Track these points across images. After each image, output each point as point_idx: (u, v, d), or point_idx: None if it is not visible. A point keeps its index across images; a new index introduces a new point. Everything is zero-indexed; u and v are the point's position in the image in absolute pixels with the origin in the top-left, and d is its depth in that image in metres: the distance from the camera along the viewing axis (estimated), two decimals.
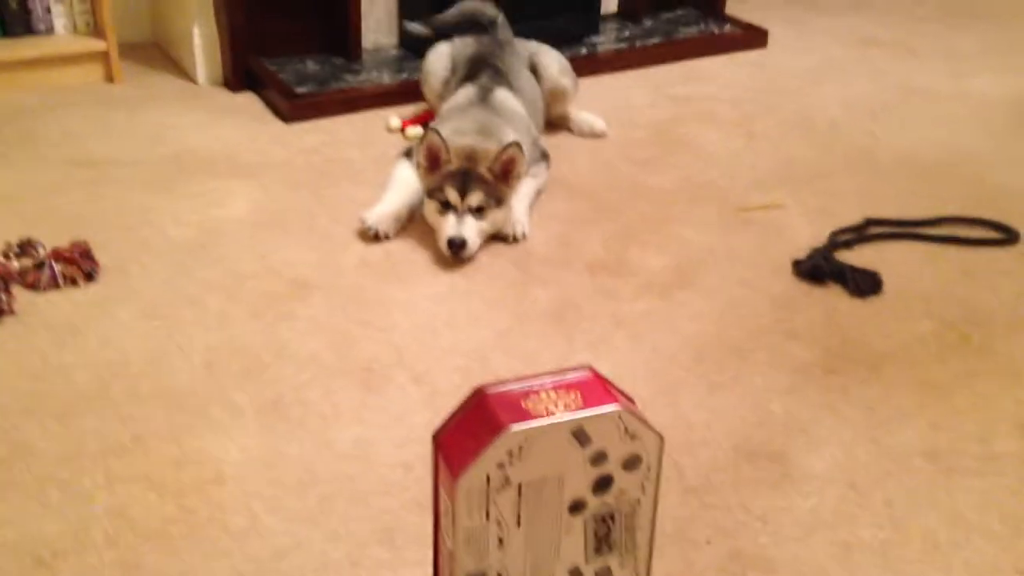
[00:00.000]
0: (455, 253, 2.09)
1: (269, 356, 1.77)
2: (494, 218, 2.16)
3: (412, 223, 2.23)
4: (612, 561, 1.21)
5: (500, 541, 1.15)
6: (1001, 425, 1.65)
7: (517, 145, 2.14)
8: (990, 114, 2.99)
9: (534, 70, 2.70)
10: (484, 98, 2.45)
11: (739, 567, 1.36)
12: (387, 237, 2.18)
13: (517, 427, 1.09)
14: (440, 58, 2.70)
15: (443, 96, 2.63)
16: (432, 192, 2.16)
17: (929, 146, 2.75)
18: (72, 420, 1.60)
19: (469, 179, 2.13)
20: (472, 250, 2.11)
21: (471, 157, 2.16)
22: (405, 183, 2.28)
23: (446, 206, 2.13)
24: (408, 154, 2.39)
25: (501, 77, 2.52)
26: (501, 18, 2.72)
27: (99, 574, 1.31)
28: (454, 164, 2.15)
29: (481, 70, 2.53)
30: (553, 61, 2.73)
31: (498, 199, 2.15)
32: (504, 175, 2.16)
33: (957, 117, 2.96)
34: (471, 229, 2.10)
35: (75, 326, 1.84)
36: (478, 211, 2.13)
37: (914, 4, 4.03)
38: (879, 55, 3.49)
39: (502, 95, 2.47)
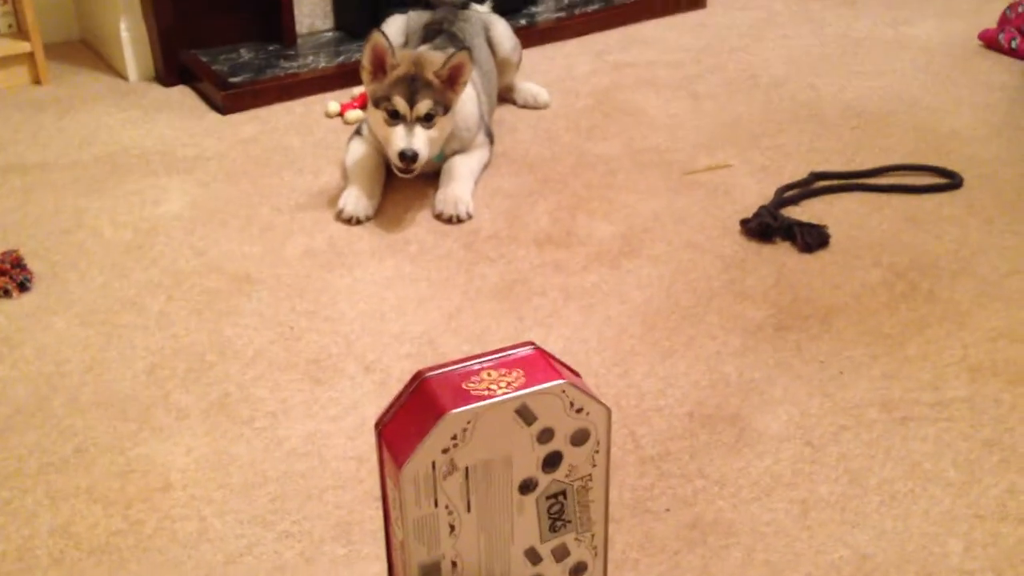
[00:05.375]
0: (407, 166, 2.07)
1: (213, 355, 1.73)
2: (442, 125, 2.14)
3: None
4: (568, 538, 1.19)
5: (452, 528, 1.12)
6: (951, 370, 1.65)
7: (466, 50, 2.10)
8: (932, 60, 2.99)
9: (488, 41, 2.65)
10: None
11: (699, 534, 1.35)
12: (368, 219, 2.15)
13: (458, 410, 1.06)
14: (395, 23, 2.63)
15: None
16: (378, 101, 2.11)
17: (873, 96, 2.74)
18: (10, 436, 1.55)
19: (417, 86, 2.08)
20: (423, 161, 2.08)
21: (417, 62, 2.11)
22: (365, 159, 2.25)
23: (394, 116, 2.09)
24: (359, 132, 2.34)
25: (457, 41, 2.47)
26: None
27: None
28: (401, 69, 2.10)
29: (437, 34, 2.48)
30: (505, 36, 2.67)
31: (445, 106, 2.12)
32: (451, 80, 2.12)
33: (899, 65, 2.96)
34: (421, 140, 2.08)
35: (9, 338, 1.78)
36: (427, 119, 2.10)
37: None
38: (819, 7, 3.48)
39: None
